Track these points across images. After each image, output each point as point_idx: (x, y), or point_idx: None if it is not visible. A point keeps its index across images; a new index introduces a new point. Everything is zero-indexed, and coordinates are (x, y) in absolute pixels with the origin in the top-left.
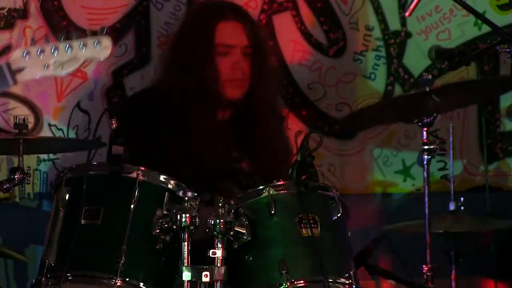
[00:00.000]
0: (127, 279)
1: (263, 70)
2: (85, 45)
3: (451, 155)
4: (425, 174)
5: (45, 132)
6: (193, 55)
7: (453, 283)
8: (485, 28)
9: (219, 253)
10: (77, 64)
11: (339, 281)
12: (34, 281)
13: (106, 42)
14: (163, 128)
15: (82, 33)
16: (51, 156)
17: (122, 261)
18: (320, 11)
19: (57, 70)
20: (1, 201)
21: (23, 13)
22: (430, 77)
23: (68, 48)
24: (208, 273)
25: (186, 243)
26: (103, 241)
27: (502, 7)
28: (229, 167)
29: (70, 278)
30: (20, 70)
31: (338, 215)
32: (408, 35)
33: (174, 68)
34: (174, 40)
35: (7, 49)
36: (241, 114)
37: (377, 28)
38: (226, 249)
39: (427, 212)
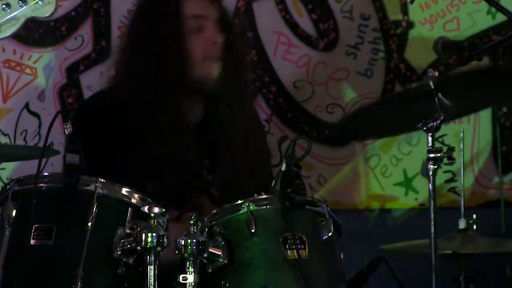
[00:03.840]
0: None
1: (237, 57)
2: (24, 1)
3: (461, 164)
4: (431, 187)
5: None
6: (157, 38)
7: None
8: (500, 17)
9: (190, 278)
10: (17, 25)
11: None
12: None
13: None
14: (125, 132)
15: None
16: None
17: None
18: None
19: None
20: None
21: None
22: (436, 73)
23: (5, 7)
24: None
25: (152, 267)
26: (56, 265)
27: None
28: (200, 178)
29: None
30: None
31: (329, 234)
32: (411, 25)
33: (135, 59)
34: (133, 25)
35: None
36: (214, 116)
37: (374, 17)
38: (199, 273)
39: (432, 231)
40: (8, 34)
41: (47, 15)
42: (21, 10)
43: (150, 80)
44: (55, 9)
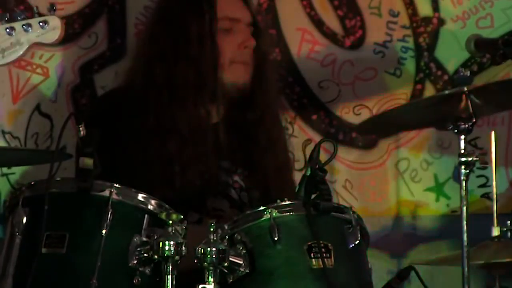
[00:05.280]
0: None
1: (266, 58)
2: (29, 26)
3: (494, 168)
4: (463, 192)
5: None
6: (186, 34)
7: None
8: None
9: None
10: (21, 50)
11: None
12: None
13: (55, 22)
14: (142, 134)
15: (30, 13)
16: (5, 170)
17: None
18: None
19: None
20: None
21: None
22: (468, 73)
23: (9, 31)
24: None
25: (170, 277)
26: (69, 274)
27: None
28: (220, 181)
29: None
30: None
31: (356, 242)
32: (442, 22)
33: (157, 55)
34: (157, 20)
35: None
36: (236, 115)
37: (403, 13)
38: (219, 283)
39: (465, 238)
40: (11, 60)
41: (52, 41)
42: (25, 36)
43: (172, 80)
44: (60, 36)
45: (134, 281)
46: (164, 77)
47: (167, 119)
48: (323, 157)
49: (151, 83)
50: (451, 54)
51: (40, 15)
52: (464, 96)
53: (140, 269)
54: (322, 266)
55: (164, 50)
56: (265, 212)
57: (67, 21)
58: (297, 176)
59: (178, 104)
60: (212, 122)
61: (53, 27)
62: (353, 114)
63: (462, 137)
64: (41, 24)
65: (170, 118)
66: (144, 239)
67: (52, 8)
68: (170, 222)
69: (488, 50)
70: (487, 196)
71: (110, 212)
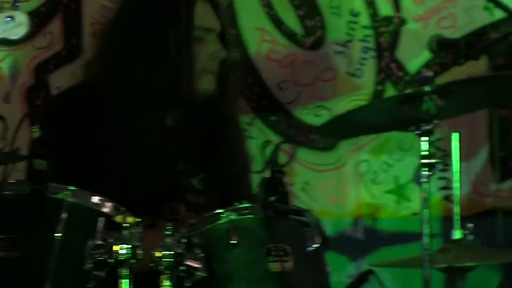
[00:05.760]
0: None
1: (231, 69)
2: None
3: (456, 171)
4: (424, 195)
5: None
6: (164, 38)
7: None
8: (498, 14)
9: None
10: None
11: None
12: None
13: (21, 17)
14: (98, 136)
15: None
16: None
17: None
18: None
19: None
20: None
21: None
22: (430, 74)
23: None
24: None
25: (125, 280)
26: (22, 278)
27: None
28: (177, 184)
29: None
30: None
31: (315, 246)
32: (403, 22)
33: (131, 56)
34: (131, 20)
35: None
36: (198, 120)
37: (364, 13)
38: (176, 287)
39: (425, 241)
40: None
41: (18, 37)
42: None
43: (146, 82)
44: (27, 31)
45: (89, 285)
46: (137, 79)
47: (132, 120)
48: (282, 159)
49: (120, 83)
50: (413, 55)
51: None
52: (425, 97)
53: (95, 272)
54: (280, 270)
55: (139, 51)
56: (223, 215)
57: None
58: (256, 178)
59: (146, 106)
60: (174, 126)
61: (20, 22)
62: (313, 115)
63: (424, 138)
64: (6, 19)
65: (135, 120)
66: (99, 242)
67: (15, 3)
68: (126, 225)
69: (450, 50)
70: (448, 198)
71: (64, 215)
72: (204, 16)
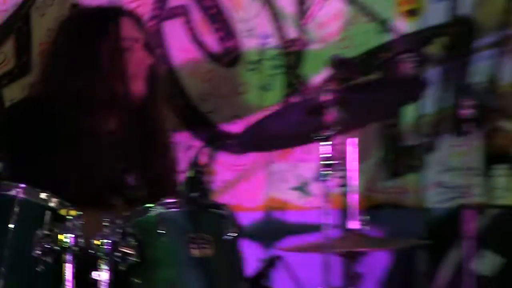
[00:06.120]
0: None
1: (157, 74)
2: None
3: (352, 171)
4: (324, 191)
5: None
6: (98, 51)
7: None
8: (389, 36)
9: (104, 275)
10: None
11: None
12: None
13: None
14: (47, 139)
15: None
16: None
17: (1, 285)
18: (213, 17)
19: None
20: None
21: None
22: (330, 87)
23: None
24: None
25: (69, 265)
26: None
27: (410, 13)
28: (114, 180)
29: None
30: None
31: (231, 234)
32: (307, 43)
33: (71, 69)
34: (68, 42)
35: None
36: (132, 123)
37: (274, 36)
38: (112, 271)
39: (326, 230)
40: None
41: None
42: None
43: (85, 91)
44: None
45: (38, 269)
46: (78, 90)
47: (74, 126)
48: (203, 160)
49: (65, 94)
50: (316, 71)
51: None
52: (326, 108)
53: (43, 258)
54: (201, 255)
55: (77, 65)
56: (153, 208)
57: None
58: (181, 177)
59: (88, 112)
60: (112, 129)
61: None
62: (229, 123)
63: (325, 143)
64: None
65: (77, 126)
66: (46, 232)
67: None
68: (69, 217)
69: (348, 67)
70: (345, 194)
71: (16, 209)
72: (129, 28)
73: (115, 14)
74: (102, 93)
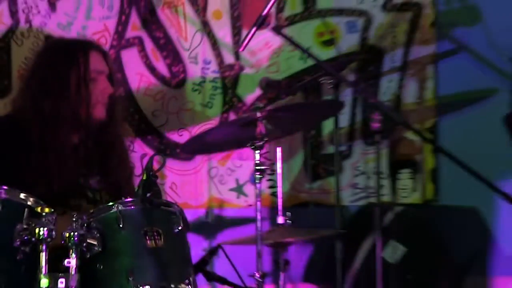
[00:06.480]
0: None
1: (116, 99)
2: None
3: (280, 174)
4: (257, 192)
5: None
6: (67, 80)
7: None
8: (310, 62)
9: (73, 262)
10: None
11: (180, 286)
12: None
13: None
14: (23, 150)
15: None
16: None
17: None
18: (163, 47)
19: None
20: None
21: None
22: (261, 105)
23: None
24: (63, 280)
25: (44, 254)
26: None
27: (326, 43)
28: (78, 184)
29: None
30: None
31: (179, 228)
32: (242, 68)
33: (44, 93)
34: (42, 69)
35: None
36: (95, 138)
37: (214, 61)
38: (80, 258)
39: (258, 225)
40: None
41: None
42: None
43: (55, 112)
44: None
45: (18, 257)
46: (49, 110)
47: (47, 140)
48: (155, 166)
49: (38, 113)
50: (249, 91)
51: None
52: (257, 122)
53: (22, 248)
54: (155, 246)
55: (49, 90)
56: (113, 206)
57: None
58: (137, 180)
59: (57, 129)
60: (76, 143)
61: None
62: (177, 135)
63: (257, 151)
64: None
65: (49, 140)
66: (25, 226)
67: None
68: (44, 214)
69: (275, 88)
70: (274, 194)
71: None
72: (96, 62)
73: (85, 47)
74: (67, 114)
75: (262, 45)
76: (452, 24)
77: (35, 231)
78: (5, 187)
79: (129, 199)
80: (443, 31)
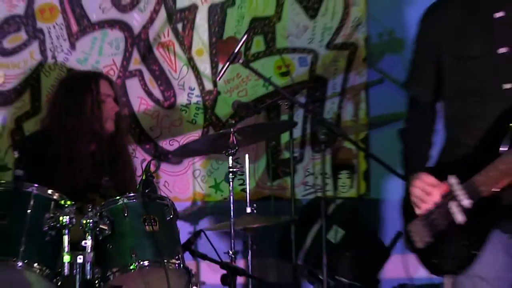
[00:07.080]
0: (26, 261)
1: (122, 116)
2: None
3: (248, 175)
4: (230, 188)
5: None
6: (84, 101)
7: (249, 262)
8: (271, 88)
9: (89, 243)
10: None
11: (172, 261)
12: None
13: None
14: (50, 157)
15: None
16: None
17: (22, 248)
18: (158, 77)
19: None
20: None
21: None
22: (233, 121)
23: None
24: (81, 256)
25: (66, 236)
26: (8, 235)
27: (283, 74)
28: (93, 182)
29: None
30: None
31: (171, 216)
32: (219, 93)
33: (65, 113)
34: (64, 94)
35: None
36: (106, 146)
37: (197, 88)
38: (94, 240)
39: (232, 214)
40: None
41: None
42: None
43: (75, 128)
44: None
45: (46, 239)
46: (71, 126)
47: (69, 149)
48: (152, 169)
49: (61, 129)
50: (224, 112)
51: None
52: (231, 135)
53: (50, 232)
54: (152, 230)
55: (70, 110)
56: (120, 200)
57: (7, 93)
58: (138, 180)
59: (77, 141)
60: (93, 151)
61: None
62: (169, 145)
63: (230, 158)
64: None
65: (71, 149)
66: (51, 215)
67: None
68: (66, 205)
69: (244, 109)
70: (244, 190)
71: (32, 200)
72: (104, 87)
73: (96, 77)
74: (85, 129)
75: (234, 76)
76: (382, 53)
77: (59, 219)
78: (36, 185)
79: (132, 194)
80: (375, 60)
